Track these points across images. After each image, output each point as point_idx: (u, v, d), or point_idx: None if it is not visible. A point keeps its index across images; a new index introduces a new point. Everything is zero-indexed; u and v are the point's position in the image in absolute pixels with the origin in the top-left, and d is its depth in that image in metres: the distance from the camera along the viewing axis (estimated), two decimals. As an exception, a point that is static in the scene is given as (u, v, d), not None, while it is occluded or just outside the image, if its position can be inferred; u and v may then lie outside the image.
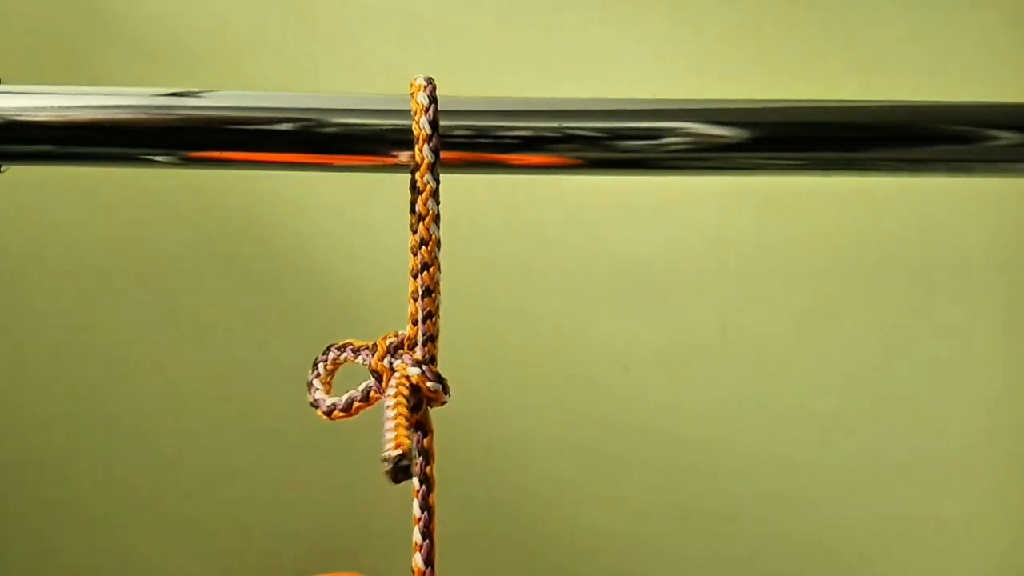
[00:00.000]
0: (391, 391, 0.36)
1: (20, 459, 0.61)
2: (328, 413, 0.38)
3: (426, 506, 0.38)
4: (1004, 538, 0.63)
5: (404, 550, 0.39)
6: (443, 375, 0.38)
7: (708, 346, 0.61)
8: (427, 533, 0.38)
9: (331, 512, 0.62)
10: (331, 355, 0.39)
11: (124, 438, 0.61)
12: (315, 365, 0.39)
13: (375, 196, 0.58)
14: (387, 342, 0.38)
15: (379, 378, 0.38)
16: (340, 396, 0.38)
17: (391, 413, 0.35)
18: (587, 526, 0.63)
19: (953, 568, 0.63)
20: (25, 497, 0.61)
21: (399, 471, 0.31)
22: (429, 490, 0.38)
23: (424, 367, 0.37)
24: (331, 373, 0.39)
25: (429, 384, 0.37)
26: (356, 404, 0.38)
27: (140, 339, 0.60)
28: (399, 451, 0.32)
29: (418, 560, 0.37)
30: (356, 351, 0.39)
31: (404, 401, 0.36)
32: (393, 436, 0.33)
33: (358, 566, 0.61)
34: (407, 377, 0.37)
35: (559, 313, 0.60)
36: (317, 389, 0.39)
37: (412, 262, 0.37)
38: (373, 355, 0.38)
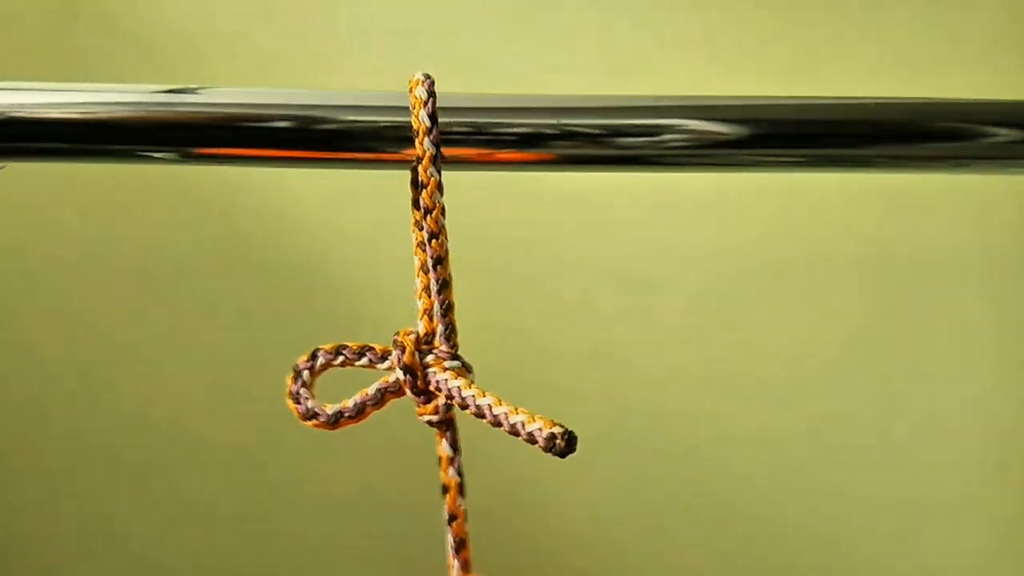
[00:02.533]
0: (471, 390, 0.35)
1: (19, 457, 0.61)
2: (334, 422, 0.36)
3: (455, 496, 0.38)
4: (1003, 537, 0.63)
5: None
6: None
7: (709, 345, 0.61)
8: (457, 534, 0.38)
9: (335, 515, 0.62)
10: (319, 360, 0.36)
11: (125, 437, 0.61)
12: (298, 373, 0.36)
13: (375, 196, 0.58)
14: (409, 337, 0.37)
15: (414, 375, 0.36)
16: (338, 403, 0.36)
17: (504, 409, 0.34)
18: (589, 519, 0.63)
19: (953, 565, 0.63)
20: (23, 494, 0.61)
21: (573, 441, 0.32)
22: (460, 491, 0.38)
23: (462, 360, 0.37)
24: (313, 380, 0.37)
25: (469, 377, 0.36)
26: (369, 408, 0.36)
27: (140, 339, 0.60)
28: (557, 427, 0.32)
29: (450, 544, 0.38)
30: (358, 353, 0.37)
31: (477, 390, 0.35)
32: (532, 419, 0.33)
33: (363, 572, 0.61)
34: (452, 371, 0.36)
35: (557, 311, 0.60)
36: (308, 398, 0.36)
37: (421, 257, 0.37)
38: (378, 357, 0.37)
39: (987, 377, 0.62)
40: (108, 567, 0.62)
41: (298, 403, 0.36)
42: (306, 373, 0.36)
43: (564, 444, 0.33)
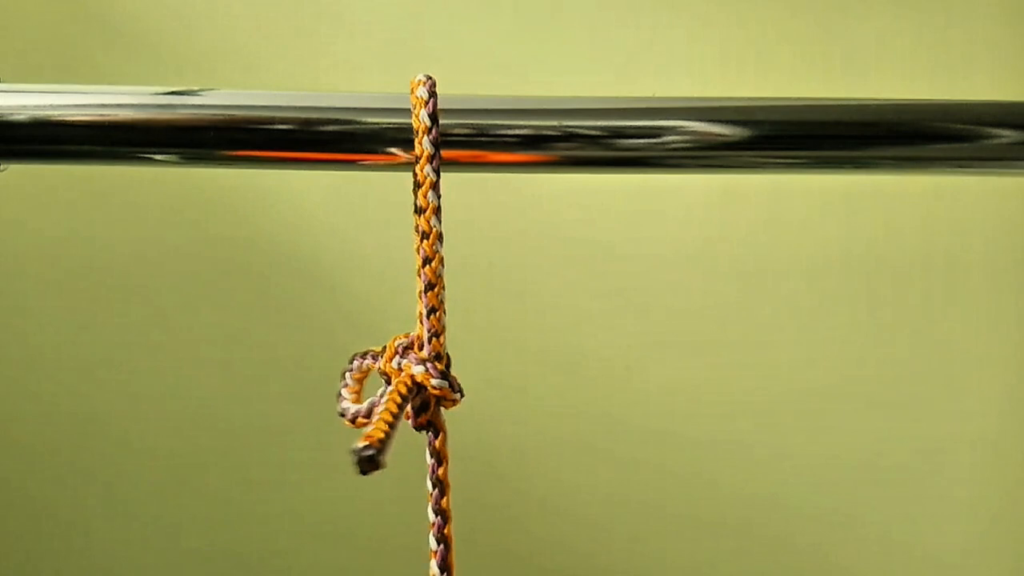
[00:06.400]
0: (389, 389, 0.35)
1: (15, 457, 0.61)
2: (353, 421, 0.37)
3: (440, 511, 0.37)
4: (1009, 541, 0.63)
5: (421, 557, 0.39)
6: (451, 373, 0.37)
7: (709, 345, 0.61)
8: (442, 538, 0.37)
9: (335, 519, 0.62)
10: (355, 364, 0.38)
11: (121, 439, 0.61)
12: (343, 376, 0.38)
13: (379, 197, 0.58)
14: (396, 343, 0.37)
15: (389, 381, 0.37)
16: (363, 404, 0.37)
17: (379, 408, 0.34)
18: (587, 526, 0.63)
19: (961, 569, 0.63)
20: (15, 496, 0.61)
21: (363, 461, 0.30)
22: (442, 494, 0.37)
23: (428, 364, 0.36)
24: (359, 382, 0.38)
25: (434, 382, 0.36)
26: (376, 409, 0.36)
27: (140, 339, 0.60)
28: (364, 443, 0.30)
29: (434, 567, 0.36)
30: (375, 357, 0.38)
31: (398, 398, 0.35)
32: (370, 430, 0.32)
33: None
34: (411, 376, 0.36)
35: (559, 312, 0.60)
36: (344, 399, 0.38)
37: (418, 260, 0.37)
38: (382, 357, 0.37)
39: (1004, 378, 0.61)
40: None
41: (337, 402, 0.38)
42: (348, 376, 0.38)
43: (357, 458, 0.31)
